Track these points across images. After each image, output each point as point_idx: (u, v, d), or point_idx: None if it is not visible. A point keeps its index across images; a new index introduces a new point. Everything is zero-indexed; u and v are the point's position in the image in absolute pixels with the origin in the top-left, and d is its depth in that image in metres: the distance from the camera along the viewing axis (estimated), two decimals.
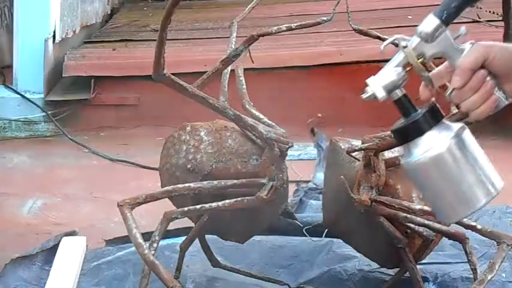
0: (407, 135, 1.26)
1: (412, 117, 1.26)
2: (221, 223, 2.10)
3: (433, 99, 1.27)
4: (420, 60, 1.26)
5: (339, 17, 2.15)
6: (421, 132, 1.25)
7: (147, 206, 1.93)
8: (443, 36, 1.26)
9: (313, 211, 2.61)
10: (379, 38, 2.19)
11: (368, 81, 1.27)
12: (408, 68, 1.27)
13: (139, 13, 5.24)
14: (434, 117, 1.25)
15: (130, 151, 3.57)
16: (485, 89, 1.23)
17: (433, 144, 1.24)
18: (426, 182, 1.27)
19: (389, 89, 1.27)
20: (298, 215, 2.52)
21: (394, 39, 1.28)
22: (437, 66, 1.30)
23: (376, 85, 1.26)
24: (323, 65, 3.89)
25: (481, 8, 4.47)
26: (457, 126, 1.26)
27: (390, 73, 1.27)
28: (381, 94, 1.26)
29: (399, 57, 1.27)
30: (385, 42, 1.29)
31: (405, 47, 1.26)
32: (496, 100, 1.24)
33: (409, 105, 1.27)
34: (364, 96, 1.27)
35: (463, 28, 1.28)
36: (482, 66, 1.24)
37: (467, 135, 1.25)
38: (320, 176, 2.69)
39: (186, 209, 1.95)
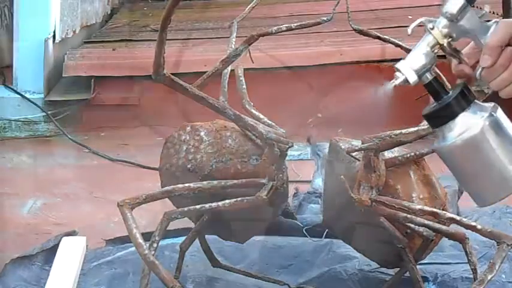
0: (440, 119, 1.25)
1: (443, 100, 1.25)
2: (221, 223, 2.10)
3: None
4: (449, 40, 1.26)
5: (339, 17, 2.15)
6: (454, 115, 1.24)
7: (147, 206, 1.93)
8: (468, 16, 1.26)
9: (313, 214, 2.61)
10: (379, 38, 2.19)
11: (398, 66, 1.26)
12: (436, 50, 1.26)
13: (139, 13, 5.24)
14: (466, 99, 1.24)
15: (130, 151, 3.57)
16: None
17: (467, 126, 1.23)
18: (462, 165, 1.26)
19: (420, 73, 1.26)
20: (298, 216, 2.52)
21: (419, 22, 1.27)
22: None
23: (407, 69, 1.26)
24: (323, 65, 3.89)
25: (481, 8, 4.47)
26: (489, 105, 1.24)
27: (419, 56, 1.26)
28: (413, 78, 1.25)
29: (427, 39, 1.26)
30: (412, 25, 1.28)
31: (432, 28, 1.26)
32: None
33: (440, 88, 1.26)
34: (395, 82, 1.27)
35: (486, 6, 1.28)
36: (508, 44, 1.23)
37: (501, 114, 1.24)
38: (319, 182, 2.70)
39: (186, 209, 1.95)
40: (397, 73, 1.26)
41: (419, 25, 1.28)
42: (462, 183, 1.30)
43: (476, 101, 1.25)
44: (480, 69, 1.24)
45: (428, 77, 1.26)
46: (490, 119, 1.22)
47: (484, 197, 1.27)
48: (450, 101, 1.24)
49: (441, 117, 1.25)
